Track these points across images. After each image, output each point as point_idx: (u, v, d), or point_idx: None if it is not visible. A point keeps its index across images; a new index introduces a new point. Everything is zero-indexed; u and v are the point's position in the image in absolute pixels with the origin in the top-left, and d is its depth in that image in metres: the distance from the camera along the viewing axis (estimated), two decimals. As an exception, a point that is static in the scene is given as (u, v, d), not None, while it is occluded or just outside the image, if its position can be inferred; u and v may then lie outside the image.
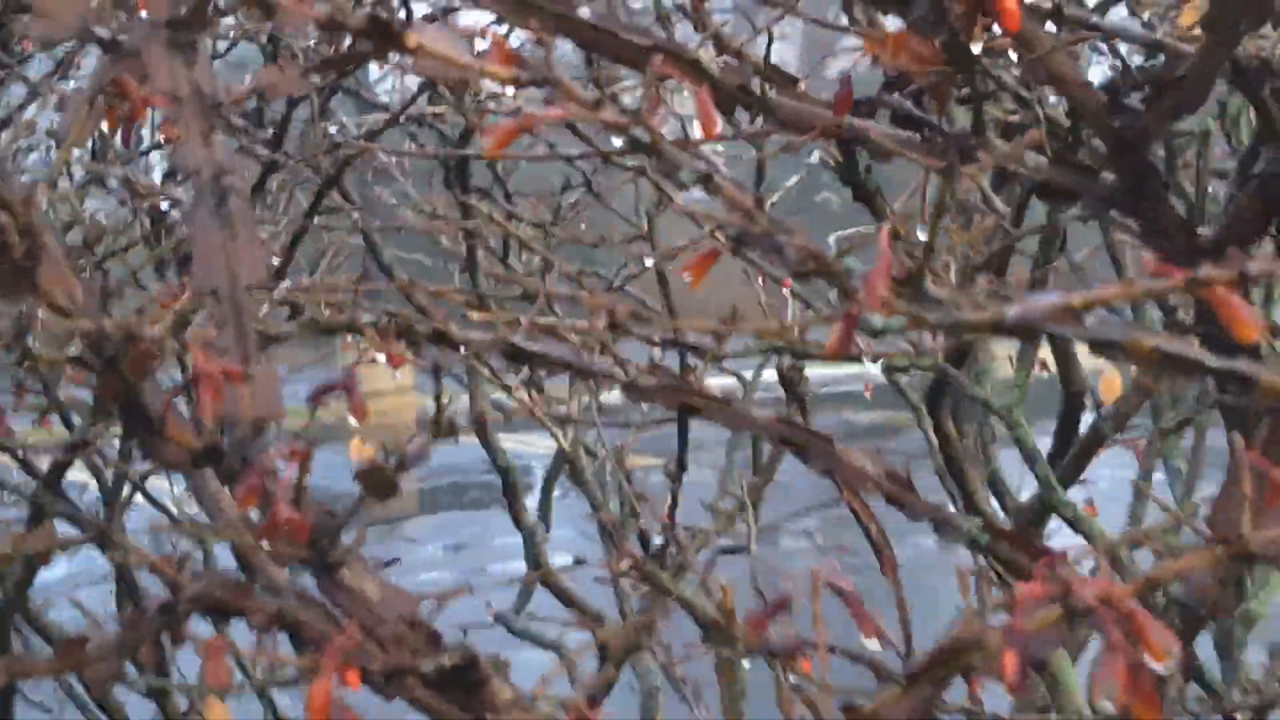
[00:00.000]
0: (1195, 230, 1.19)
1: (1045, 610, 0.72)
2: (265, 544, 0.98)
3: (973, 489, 2.01)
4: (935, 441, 2.33)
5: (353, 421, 0.99)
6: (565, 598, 3.02)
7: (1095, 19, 1.13)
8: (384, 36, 0.83)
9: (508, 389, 2.59)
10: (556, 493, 3.53)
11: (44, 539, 1.07)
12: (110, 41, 1.07)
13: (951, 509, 2.42)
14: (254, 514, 0.99)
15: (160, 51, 1.06)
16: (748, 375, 3.79)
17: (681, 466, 3.23)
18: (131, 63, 1.09)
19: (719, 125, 0.85)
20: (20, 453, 2.39)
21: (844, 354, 0.71)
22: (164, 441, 1.01)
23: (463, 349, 1.39)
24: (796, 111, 1.27)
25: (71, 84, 1.78)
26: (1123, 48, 1.20)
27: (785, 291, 2.42)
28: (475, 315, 2.49)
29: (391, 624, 1.00)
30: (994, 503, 2.20)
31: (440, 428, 1.05)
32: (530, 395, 3.08)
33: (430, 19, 1.78)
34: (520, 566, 3.20)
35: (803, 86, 1.40)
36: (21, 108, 2.01)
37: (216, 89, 1.07)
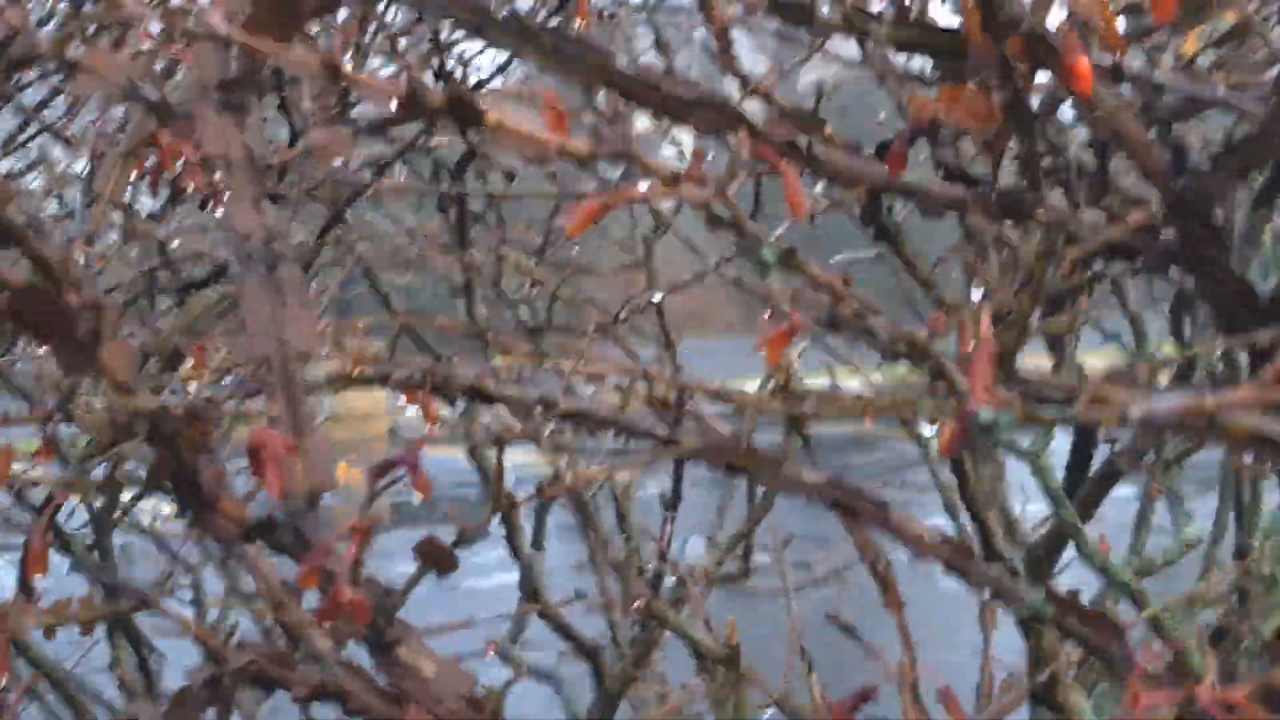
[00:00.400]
0: (1253, 290, 1.18)
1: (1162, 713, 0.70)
2: (325, 625, 0.96)
3: (991, 533, 1.99)
4: (944, 480, 2.32)
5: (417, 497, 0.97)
6: (563, 630, 3.00)
7: (1159, 75, 1.11)
8: (465, 114, 0.81)
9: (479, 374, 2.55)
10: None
11: (88, 610, 1.05)
12: (158, 103, 1.05)
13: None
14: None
15: (211, 114, 1.03)
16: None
17: (677, 496, 3.21)
18: (179, 123, 1.07)
19: (808, 206, 0.83)
20: (16, 487, 2.36)
21: (956, 454, 0.69)
22: (217, 516, 0.99)
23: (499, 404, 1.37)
24: (845, 167, 1.25)
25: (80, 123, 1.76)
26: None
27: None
28: (502, 359, 2.48)
29: (450, 702, 0.98)
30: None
31: (499, 502, 1.03)
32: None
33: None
34: (498, 582, 3.18)
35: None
36: (22, 141, 1.99)
37: (267, 152, 1.04)
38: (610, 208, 0.82)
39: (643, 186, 0.83)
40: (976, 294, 1.29)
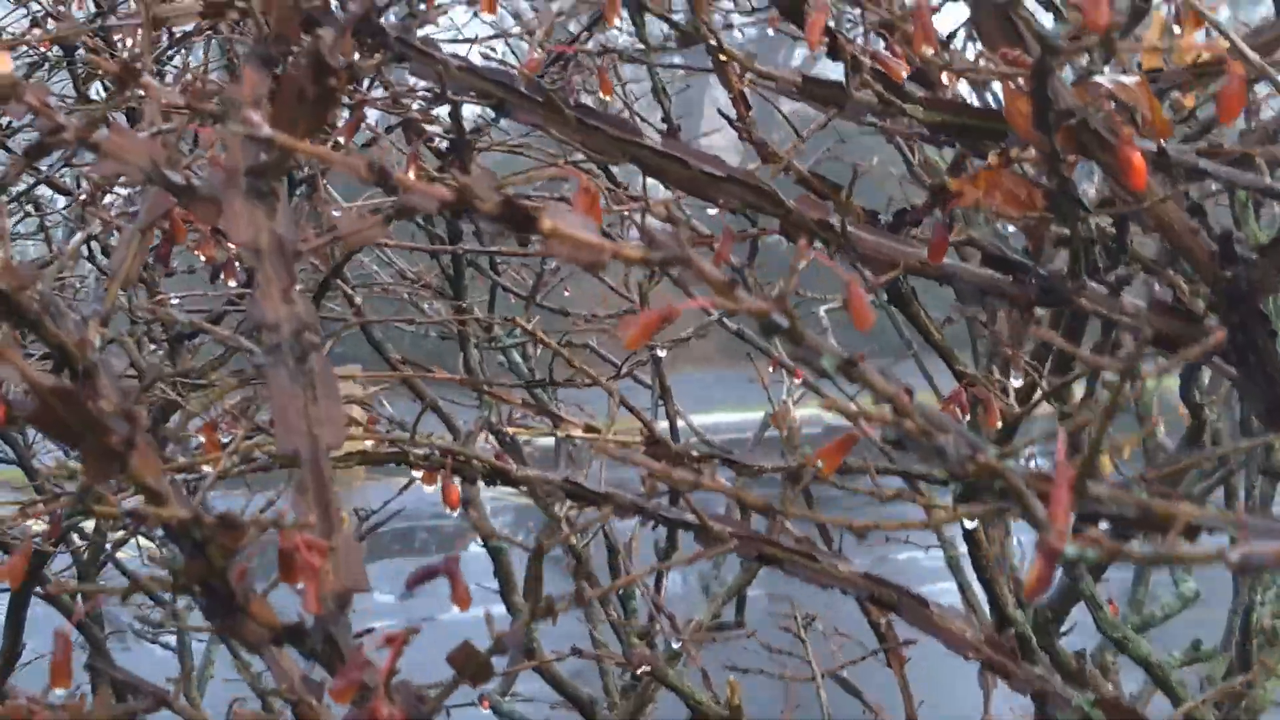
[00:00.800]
0: (1299, 381, 1.15)
1: None
2: (359, 736, 0.93)
3: (1003, 599, 1.97)
4: (946, 536, 2.29)
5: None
6: (556, 683, 2.96)
7: (1204, 164, 1.09)
8: (519, 221, 0.78)
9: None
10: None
11: (103, 708, 1.01)
12: (184, 186, 1.02)
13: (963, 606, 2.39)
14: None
15: (240, 200, 1.00)
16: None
17: (672, 545, 3.18)
18: (204, 207, 1.04)
19: (872, 315, 0.81)
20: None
21: (1042, 595, 0.66)
22: (247, 620, 0.96)
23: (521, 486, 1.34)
24: (878, 247, 1.23)
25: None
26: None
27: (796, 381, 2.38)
28: (512, 430, 2.44)
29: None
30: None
31: (536, 611, 1.00)
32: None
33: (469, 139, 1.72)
34: (474, 615, 3.12)
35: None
36: (19, 193, 1.95)
37: (297, 239, 1.02)
38: (669, 320, 0.79)
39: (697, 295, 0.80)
40: (1016, 382, 1.26)
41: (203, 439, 1.33)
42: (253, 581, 0.95)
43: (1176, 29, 2.08)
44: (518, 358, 3.27)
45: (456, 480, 1.28)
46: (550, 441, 2.67)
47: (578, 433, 2.70)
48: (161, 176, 1.02)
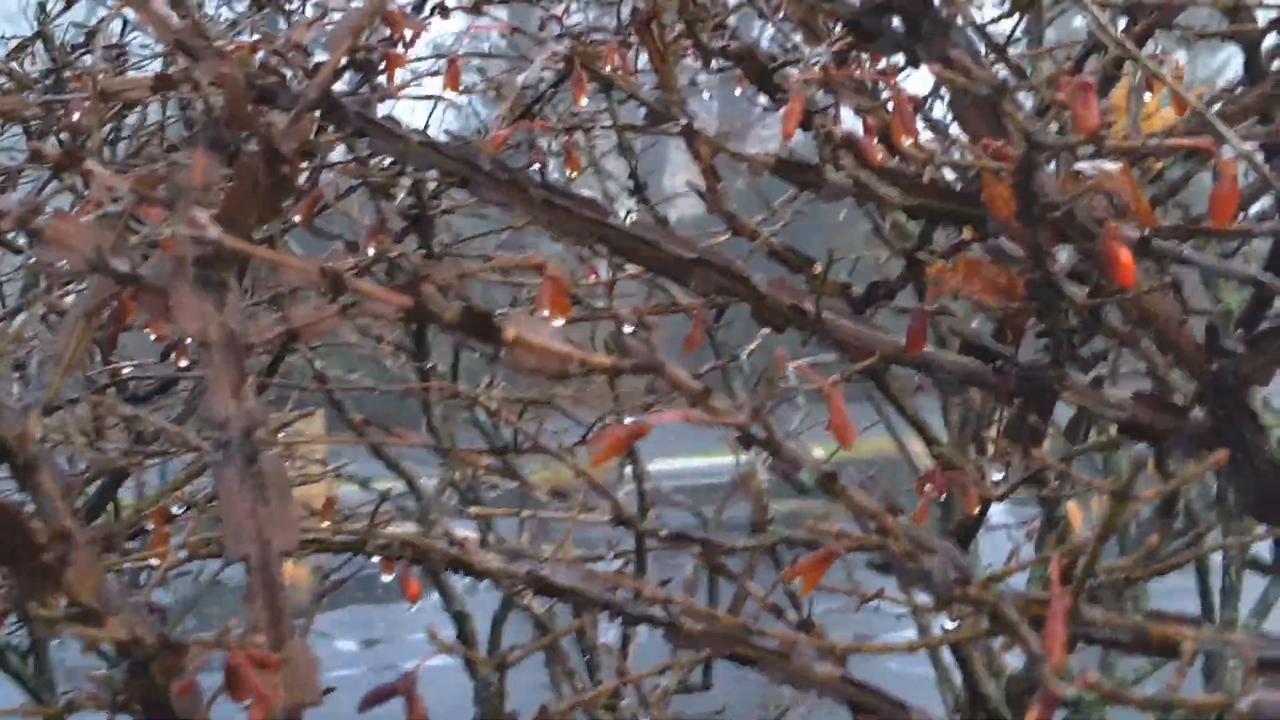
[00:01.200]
0: (1286, 474, 1.12)
1: None
2: None
3: (976, 672, 1.93)
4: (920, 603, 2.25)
5: None
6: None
7: (1188, 251, 1.05)
8: (480, 330, 0.74)
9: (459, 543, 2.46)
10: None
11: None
12: (129, 275, 0.97)
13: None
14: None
15: (188, 291, 0.96)
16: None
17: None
18: (151, 297, 0.99)
19: (855, 432, 0.76)
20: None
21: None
22: (191, 739, 0.91)
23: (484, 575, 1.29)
24: (855, 335, 1.19)
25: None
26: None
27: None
28: (474, 510, 2.39)
29: None
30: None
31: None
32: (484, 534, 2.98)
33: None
34: (440, 661, 3.06)
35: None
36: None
37: (248, 331, 0.97)
38: (639, 436, 0.75)
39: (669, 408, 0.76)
40: (996, 475, 1.22)
41: (153, 526, 1.28)
42: (199, 699, 0.90)
43: (1147, 95, 2.05)
44: (483, 415, 3.22)
45: (416, 570, 1.23)
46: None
47: (542, 493, 2.65)
48: (106, 265, 0.97)
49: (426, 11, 2.34)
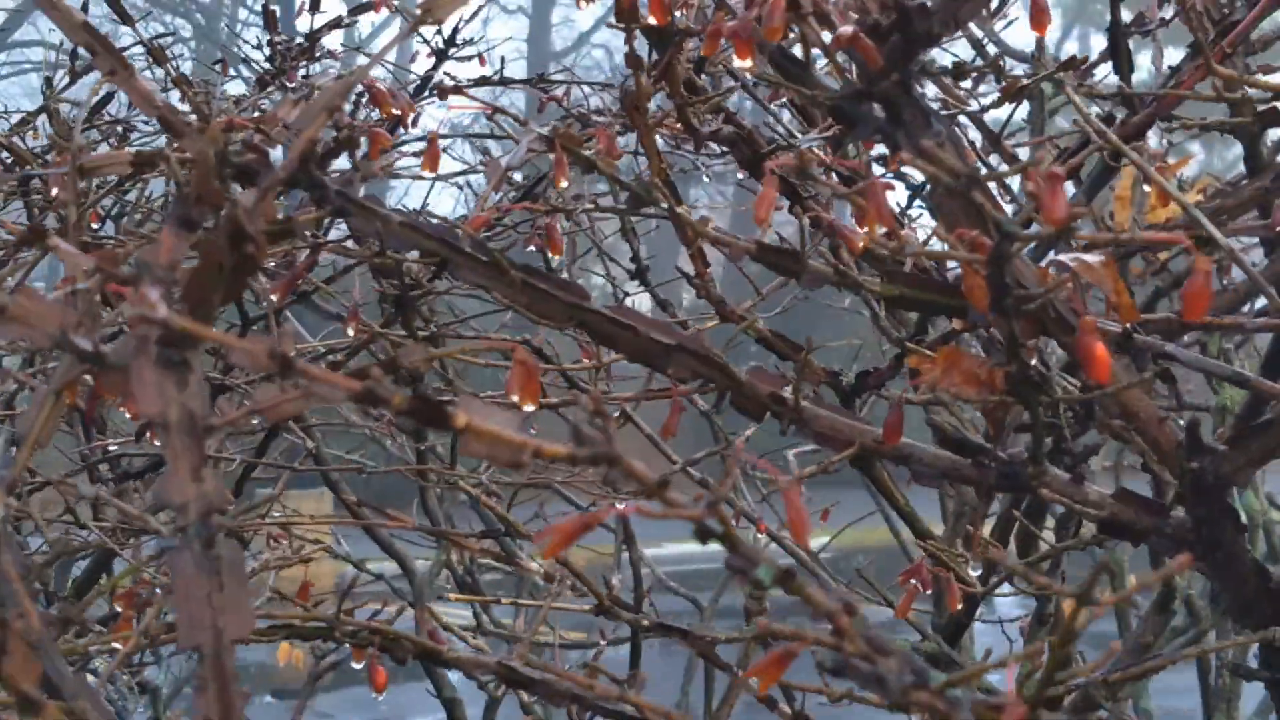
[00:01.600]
0: (1268, 574, 1.10)
1: None
2: None
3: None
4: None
5: None
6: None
7: (1170, 347, 1.04)
8: (431, 417, 0.73)
9: (450, 628, 2.44)
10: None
11: None
12: (92, 354, 0.96)
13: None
14: None
15: (149, 371, 0.94)
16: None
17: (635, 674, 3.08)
18: (113, 377, 0.98)
19: (810, 530, 0.75)
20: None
21: None
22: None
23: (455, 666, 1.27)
24: (834, 425, 1.18)
25: None
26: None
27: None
28: (455, 597, 2.37)
29: None
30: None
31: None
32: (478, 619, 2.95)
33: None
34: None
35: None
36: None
37: (210, 413, 0.95)
38: (591, 527, 0.73)
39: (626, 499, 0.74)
40: (974, 572, 1.20)
41: (119, 608, 1.27)
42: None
43: (1146, 187, 2.04)
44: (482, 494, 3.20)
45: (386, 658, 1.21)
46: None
47: (537, 576, 2.62)
48: (70, 344, 0.96)
49: (427, 91, 2.35)
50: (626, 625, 2.02)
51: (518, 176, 2.08)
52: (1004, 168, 1.85)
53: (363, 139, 1.32)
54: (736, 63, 1.04)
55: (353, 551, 3.43)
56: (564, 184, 1.26)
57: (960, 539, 1.64)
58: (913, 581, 1.39)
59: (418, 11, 1.04)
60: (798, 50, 1.21)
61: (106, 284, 0.99)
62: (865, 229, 0.95)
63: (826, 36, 1.16)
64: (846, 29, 1.02)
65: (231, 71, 3.46)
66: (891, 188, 0.97)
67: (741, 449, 0.76)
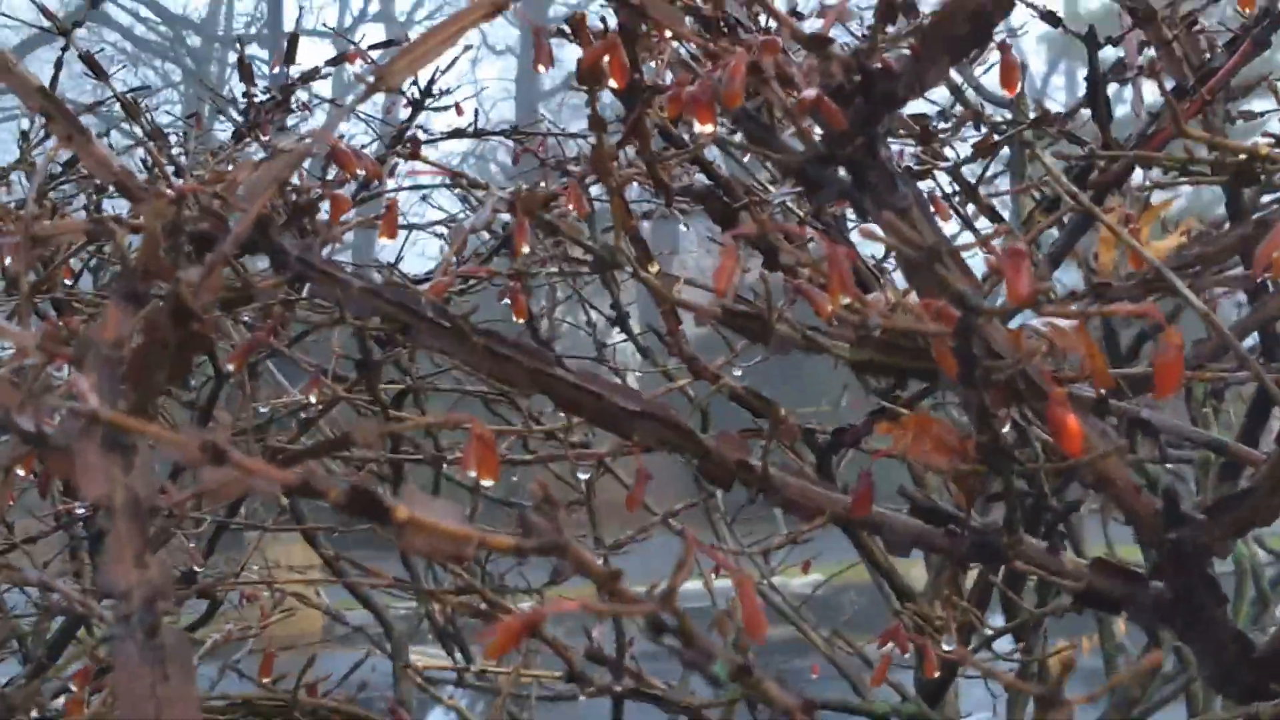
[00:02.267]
0: (1250, 643, 1.06)
1: None
2: None
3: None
4: None
5: None
6: None
7: (1146, 413, 1.01)
8: (369, 510, 0.69)
9: (430, 684, 2.39)
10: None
11: None
12: (35, 434, 0.93)
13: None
14: None
15: (94, 452, 0.91)
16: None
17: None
18: (57, 457, 0.94)
19: (765, 628, 0.72)
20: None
21: None
22: None
23: None
24: (804, 493, 1.14)
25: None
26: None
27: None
28: (410, 668, 2.33)
29: None
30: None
31: None
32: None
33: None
34: None
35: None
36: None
37: (155, 495, 0.92)
38: (538, 623, 0.69)
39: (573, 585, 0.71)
40: (948, 645, 1.17)
41: (73, 687, 1.23)
42: None
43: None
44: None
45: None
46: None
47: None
48: (12, 423, 0.93)
49: (401, 145, 2.32)
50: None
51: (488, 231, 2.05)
52: (981, 221, 1.83)
53: (324, 202, 1.30)
54: (696, 127, 1.01)
55: (336, 600, 3.38)
56: (525, 249, 1.23)
57: (939, 599, 1.61)
58: (890, 646, 1.36)
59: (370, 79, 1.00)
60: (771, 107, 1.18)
61: (52, 361, 0.96)
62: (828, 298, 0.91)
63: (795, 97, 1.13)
64: (809, 92, 0.99)
65: (222, 117, 3.43)
66: (855, 255, 0.94)
67: (694, 542, 0.73)
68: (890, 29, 1.04)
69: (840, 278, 0.90)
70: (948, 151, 1.78)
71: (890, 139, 1.06)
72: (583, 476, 2.16)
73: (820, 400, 3.33)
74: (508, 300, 1.71)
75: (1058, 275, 1.98)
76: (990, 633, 1.46)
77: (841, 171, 1.05)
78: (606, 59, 1.11)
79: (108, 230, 1.17)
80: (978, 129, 2.30)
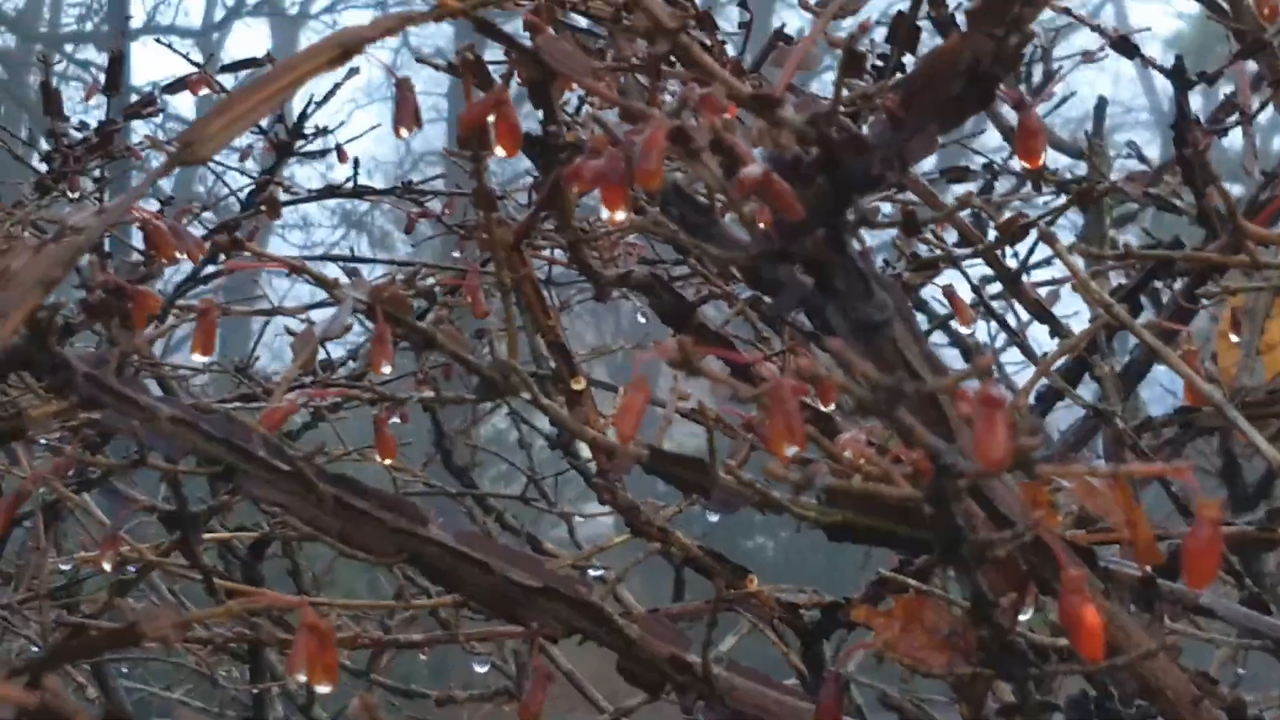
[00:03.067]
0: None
1: None
2: None
3: None
4: None
5: None
6: None
7: (1207, 598, 1.04)
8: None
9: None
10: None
11: None
12: None
13: None
14: None
15: None
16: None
17: None
18: None
19: None
20: None
21: None
22: None
23: None
24: (758, 700, 1.17)
25: None
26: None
27: None
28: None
29: None
30: None
31: None
32: None
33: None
34: None
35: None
36: None
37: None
38: None
39: None
40: None
41: None
42: None
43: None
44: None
45: None
46: None
47: None
48: None
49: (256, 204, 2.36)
50: None
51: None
52: (1024, 315, 1.86)
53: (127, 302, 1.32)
54: (604, 214, 1.03)
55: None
56: (386, 369, 1.24)
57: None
58: None
59: (178, 145, 1.04)
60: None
61: None
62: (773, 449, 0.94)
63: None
64: (753, 169, 1.00)
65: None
66: (805, 391, 0.96)
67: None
68: (861, 82, 1.07)
69: (785, 421, 0.93)
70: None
71: (868, 227, 1.09)
72: (479, 670, 2.18)
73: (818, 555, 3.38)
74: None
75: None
76: None
77: (800, 271, 1.08)
78: (492, 118, 1.14)
79: None
80: (1037, 189, 2.35)
